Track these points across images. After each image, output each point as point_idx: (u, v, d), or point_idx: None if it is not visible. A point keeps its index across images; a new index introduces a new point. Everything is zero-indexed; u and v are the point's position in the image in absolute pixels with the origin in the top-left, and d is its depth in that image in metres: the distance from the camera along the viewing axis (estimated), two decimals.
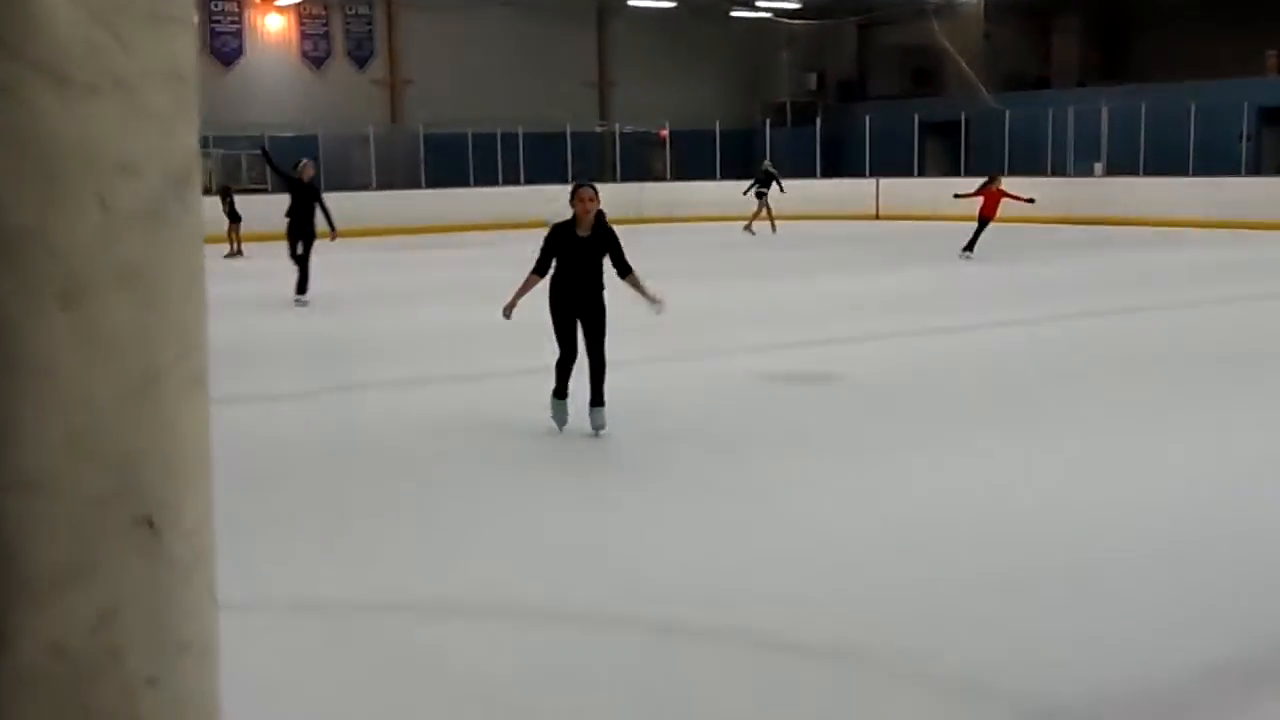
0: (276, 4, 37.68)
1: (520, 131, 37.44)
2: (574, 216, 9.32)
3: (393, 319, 16.74)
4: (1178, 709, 5.00)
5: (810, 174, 40.34)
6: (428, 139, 37.22)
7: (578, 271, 9.26)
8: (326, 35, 38.55)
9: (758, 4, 42.84)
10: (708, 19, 43.06)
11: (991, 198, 24.41)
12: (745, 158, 39.75)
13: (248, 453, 9.19)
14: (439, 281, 21.63)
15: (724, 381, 11.71)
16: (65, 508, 1.69)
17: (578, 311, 9.35)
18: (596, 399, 9.45)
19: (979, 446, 9.19)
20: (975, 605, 5.99)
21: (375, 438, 9.80)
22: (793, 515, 7.52)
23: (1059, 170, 36.29)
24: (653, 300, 9.35)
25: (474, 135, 37.04)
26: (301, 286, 17.79)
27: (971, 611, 5.91)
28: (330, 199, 34.49)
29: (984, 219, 24.42)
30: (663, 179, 40.37)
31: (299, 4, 37.83)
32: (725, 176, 38.34)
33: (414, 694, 5.11)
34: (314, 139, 36.22)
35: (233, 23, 37.11)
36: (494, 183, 36.93)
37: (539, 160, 37.75)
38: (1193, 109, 33.48)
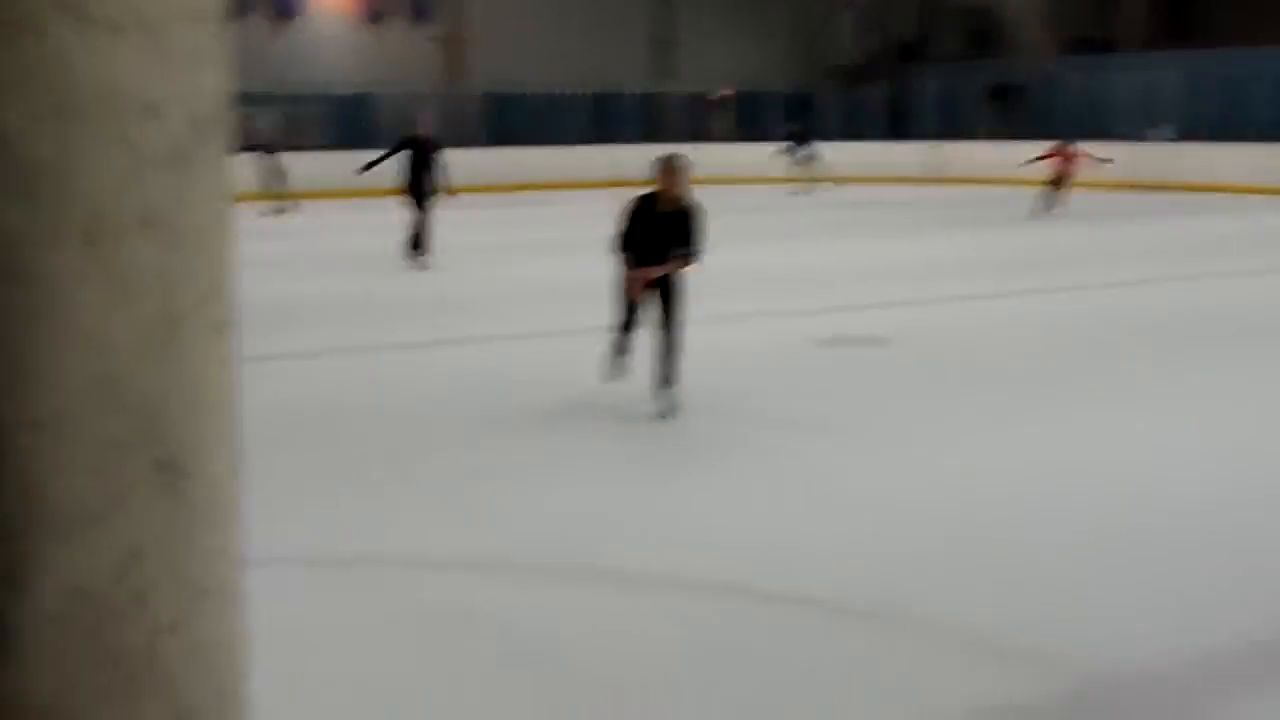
0: None
1: (580, 91, 37.31)
2: (658, 189, 8.54)
3: (481, 274, 16.78)
4: (1212, 678, 4.94)
5: (871, 137, 39.99)
6: (487, 97, 37.18)
7: (653, 250, 8.52)
8: None
9: None
10: None
11: (1064, 159, 24.90)
12: (806, 119, 39.45)
13: (311, 410, 9.25)
14: (510, 240, 21.62)
15: (773, 345, 11.63)
16: (85, 449, 1.69)
17: (649, 293, 8.66)
18: (666, 378, 8.67)
19: (1027, 414, 9.09)
20: (1025, 570, 5.94)
21: (437, 395, 9.83)
22: (843, 479, 7.48)
23: (1124, 135, 35.76)
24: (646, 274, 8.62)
25: (534, 94, 36.96)
26: (417, 243, 17.12)
27: (1021, 575, 5.86)
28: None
29: (1056, 180, 24.92)
30: (724, 140, 40.15)
31: None
32: (786, 138, 38.04)
33: (457, 652, 5.12)
34: (372, 97, 36.29)
35: None
36: (554, 142, 36.86)
37: (600, 120, 37.65)
38: (1266, 74, 32.88)
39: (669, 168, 8.56)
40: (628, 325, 8.94)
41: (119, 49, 1.67)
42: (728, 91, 40.85)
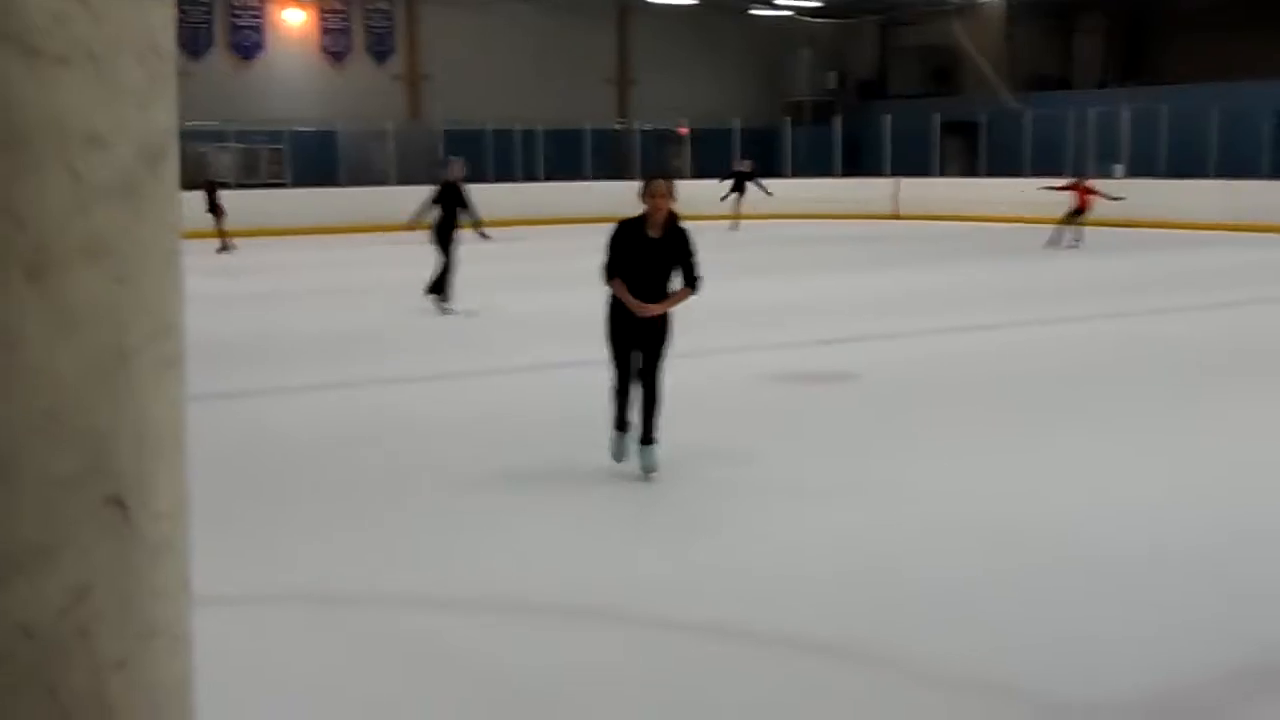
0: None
1: (540, 128, 37.43)
2: (644, 213, 8.03)
3: (425, 311, 16.68)
4: (1201, 710, 4.95)
5: (829, 173, 40.23)
6: (447, 134, 37.22)
7: (644, 279, 8.03)
8: (347, 30, 38.54)
9: (778, 2, 42.73)
10: (728, 17, 42.97)
11: (1081, 192, 26.45)
12: (766, 156, 39.62)
13: (263, 447, 9.19)
14: (474, 275, 21.57)
15: (736, 381, 11.65)
16: (31, 486, 1.66)
17: (640, 328, 8.08)
18: (647, 436, 8.21)
19: (994, 445, 9.13)
20: (1000, 605, 5.95)
21: (405, 430, 9.79)
22: (814, 516, 7.47)
23: (1079, 172, 36.09)
24: (649, 309, 8.08)
25: (493, 131, 37.02)
26: (441, 286, 16.84)
27: (995, 611, 5.86)
28: (351, 193, 34.43)
29: (1078, 211, 26.36)
30: (682, 177, 40.28)
31: None
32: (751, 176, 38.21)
33: (416, 686, 5.08)
34: (334, 134, 36.25)
35: (254, 17, 37.13)
36: (513, 178, 36.90)
37: (558, 157, 37.74)
38: (1214, 112, 33.28)
39: (656, 189, 8.02)
40: (624, 385, 8.28)
41: (66, 81, 1.65)
42: (683, 129, 41.01)
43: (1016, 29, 41.81)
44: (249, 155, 35.24)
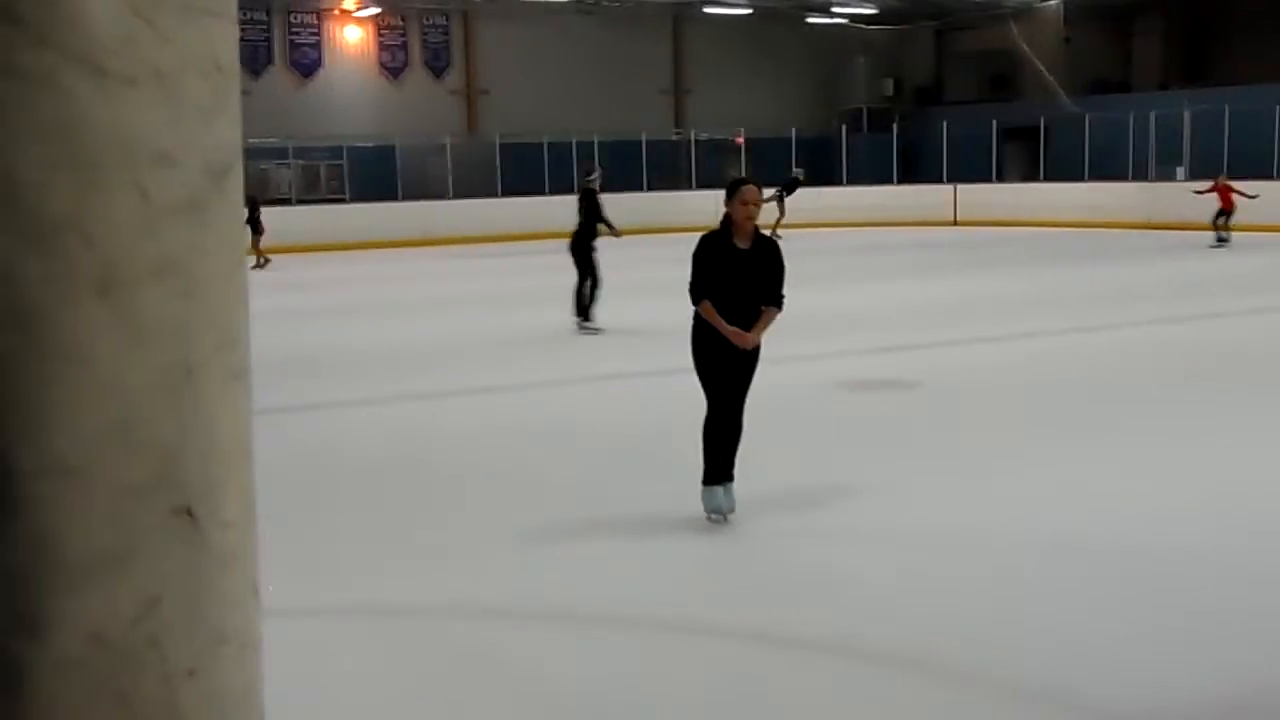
0: (355, 15, 38.06)
1: (596, 140, 37.57)
2: (729, 223, 7.17)
3: (481, 325, 16.77)
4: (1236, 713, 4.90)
5: (888, 180, 40.08)
6: (504, 148, 37.42)
7: (734, 296, 7.12)
8: (404, 46, 38.87)
9: (834, 10, 42.63)
10: (783, 25, 42.92)
11: (1224, 192, 27.35)
12: (823, 164, 39.54)
13: (319, 460, 9.28)
14: (535, 287, 21.66)
15: (805, 389, 11.62)
16: (102, 495, 1.70)
17: (736, 353, 7.17)
18: (727, 472, 7.36)
19: (1056, 454, 9.06)
20: (1050, 611, 5.91)
21: (458, 443, 9.85)
22: (878, 523, 7.45)
23: (1140, 175, 35.75)
24: (745, 339, 7.18)
25: (550, 144, 37.18)
26: (583, 308, 15.63)
27: (1045, 617, 5.83)
28: (410, 207, 34.62)
29: (1223, 211, 27.25)
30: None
31: (377, 15, 38.19)
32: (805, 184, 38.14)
33: (473, 696, 5.11)
34: (392, 149, 36.55)
35: (311, 34, 37.52)
36: (570, 191, 37.02)
37: (616, 168, 37.82)
38: (1277, 112, 32.86)
39: (748, 195, 7.17)
40: (724, 423, 7.30)
41: (133, 101, 1.69)
42: (739, 138, 40.97)
43: (1074, 32, 41.46)
44: (309, 171, 35.59)
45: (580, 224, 15.84)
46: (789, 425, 10.11)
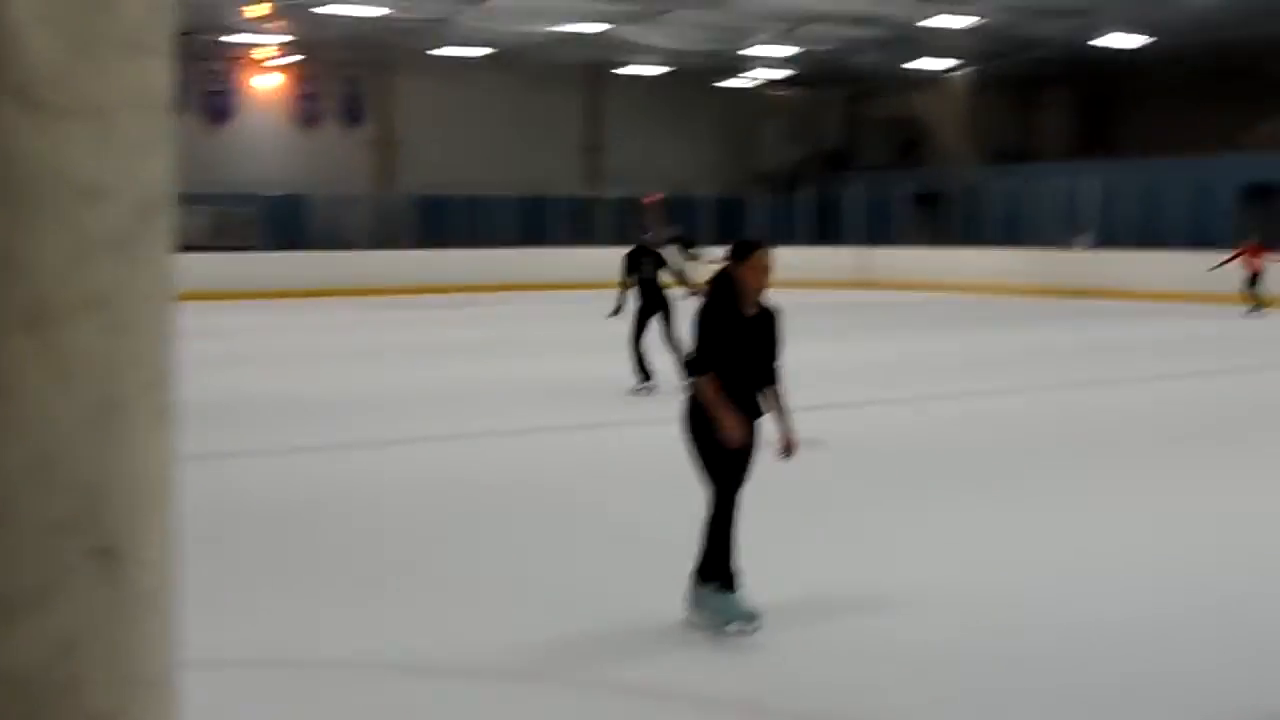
0: (269, 65, 37.90)
1: (510, 195, 37.62)
2: (732, 287, 6.34)
3: (397, 376, 16.66)
4: None
5: (798, 242, 40.52)
6: (418, 200, 37.35)
7: (739, 369, 6.33)
8: (318, 96, 38.74)
9: (746, 74, 43.17)
10: (698, 88, 43.35)
11: (1251, 253, 26.38)
12: (736, 224, 39.88)
13: (262, 509, 9.14)
14: (450, 340, 21.59)
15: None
16: (22, 533, 1.67)
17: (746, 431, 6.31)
18: (731, 579, 6.38)
19: (968, 512, 9.17)
20: (991, 677, 5.96)
21: (366, 493, 9.76)
22: (822, 587, 7.48)
23: (1044, 242, 36.47)
24: (788, 442, 6.57)
25: (464, 197, 37.18)
26: (644, 365, 14.39)
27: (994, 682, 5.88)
28: (320, 257, 34.40)
29: (1254, 275, 26.37)
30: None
31: (291, 65, 38.05)
32: (716, 242, 38.41)
33: None
34: (305, 198, 36.34)
35: (225, 82, 37.28)
36: (483, 245, 37.03)
37: (529, 223, 37.91)
38: (1180, 184, 33.73)
39: (761, 261, 6.35)
40: (727, 514, 6.34)
41: (68, 134, 1.68)
42: (655, 196, 41.18)
43: (981, 101, 42.33)
44: (221, 218, 35.24)
45: (645, 282, 14.88)
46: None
